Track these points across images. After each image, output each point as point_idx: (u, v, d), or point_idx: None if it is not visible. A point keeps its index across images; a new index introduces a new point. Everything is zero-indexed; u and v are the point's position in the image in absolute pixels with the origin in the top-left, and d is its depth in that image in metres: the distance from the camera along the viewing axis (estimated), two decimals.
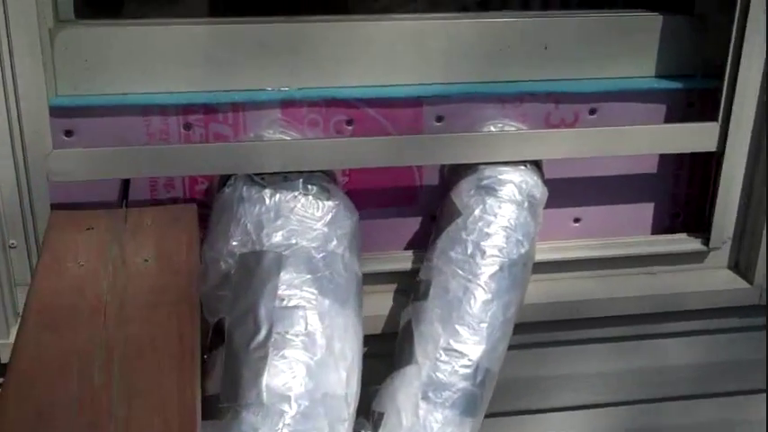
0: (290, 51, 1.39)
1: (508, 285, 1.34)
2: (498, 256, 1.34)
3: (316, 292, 1.23)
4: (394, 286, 1.49)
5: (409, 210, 1.51)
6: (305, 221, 1.29)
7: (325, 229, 1.29)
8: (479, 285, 1.33)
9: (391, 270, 1.47)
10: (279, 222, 1.28)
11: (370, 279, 1.43)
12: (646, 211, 1.60)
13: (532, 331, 1.50)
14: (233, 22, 1.38)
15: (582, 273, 1.54)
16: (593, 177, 1.54)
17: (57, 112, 1.33)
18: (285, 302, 1.21)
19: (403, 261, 1.47)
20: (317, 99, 1.41)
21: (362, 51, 1.41)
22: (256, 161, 1.33)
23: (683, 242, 1.55)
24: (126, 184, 1.35)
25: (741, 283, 1.55)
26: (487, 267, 1.34)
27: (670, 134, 1.46)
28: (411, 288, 1.43)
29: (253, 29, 1.38)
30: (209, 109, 1.38)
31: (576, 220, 1.58)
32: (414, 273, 1.44)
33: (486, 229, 1.36)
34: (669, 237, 1.56)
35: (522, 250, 1.36)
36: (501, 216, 1.36)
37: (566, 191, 1.53)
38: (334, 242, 1.29)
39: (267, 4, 1.48)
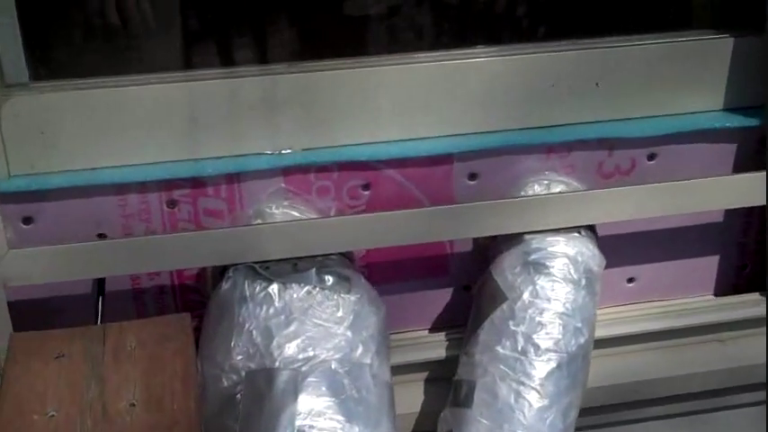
0: (291, 105, 1.14)
1: (567, 385, 1.12)
2: (555, 351, 1.12)
3: (342, 419, 1.01)
4: (425, 375, 1.27)
5: (439, 281, 1.28)
6: (323, 325, 1.05)
7: (349, 334, 1.06)
8: (533, 389, 1.10)
9: (422, 360, 1.24)
10: (292, 329, 1.05)
11: (398, 370, 1.21)
12: (708, 264, 1.38)
13: (585, 414, 1.28)
14: (221, 75, 1.13)
15: (640, 346, 1.32)
16: (649, 231, 1.31)
17: (11, 197, 1.08)
18: None
19: (435, 347, 1.25)
20: (326, 162, 1.16)
21: (378, 100, 1.16)
22: (259, 248, 1.10)
23: (754, 304, 1.33)
24: (101, 280, 1.11)
25: None
26: (542, 365, 1.11)
27: (747, 185, 1.22)
28: (444, 377, 1.21)
29: (245, 82, 1.12)
30: (197, 182, 1.14)
31: (630, 280, 1.36)
32: (449, 362, 1.21)
33: (538, 318, 1.13)
34: (739, 299, 1.34)
35: (582, 340, 1.14)
36: (555, 300, 1.14)
37: (618, 248, 1.31)
38: (360, 349, 1.06)
39: (257, 46, 1.23)
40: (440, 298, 1.30)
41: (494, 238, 1.21)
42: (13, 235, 1.09)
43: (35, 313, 1.13)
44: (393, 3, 1.30)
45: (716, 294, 1.39)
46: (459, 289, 1.29)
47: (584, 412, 1.25)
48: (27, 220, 1.11)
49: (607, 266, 1.27)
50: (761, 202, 1.23)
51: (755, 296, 1.34)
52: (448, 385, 1.20)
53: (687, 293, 1.38)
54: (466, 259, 1.27)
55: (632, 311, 1.32)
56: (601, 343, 1.28)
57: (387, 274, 1.25)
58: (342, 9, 1.28)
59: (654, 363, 1.30)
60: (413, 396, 1.24)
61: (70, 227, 1.12)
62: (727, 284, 1.39)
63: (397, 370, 1.22)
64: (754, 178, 1.22)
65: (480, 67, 1.19)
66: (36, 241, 1.11)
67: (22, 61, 1.09)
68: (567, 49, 1.21)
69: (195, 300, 1.20)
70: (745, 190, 1.22)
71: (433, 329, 1.30)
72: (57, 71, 1.14)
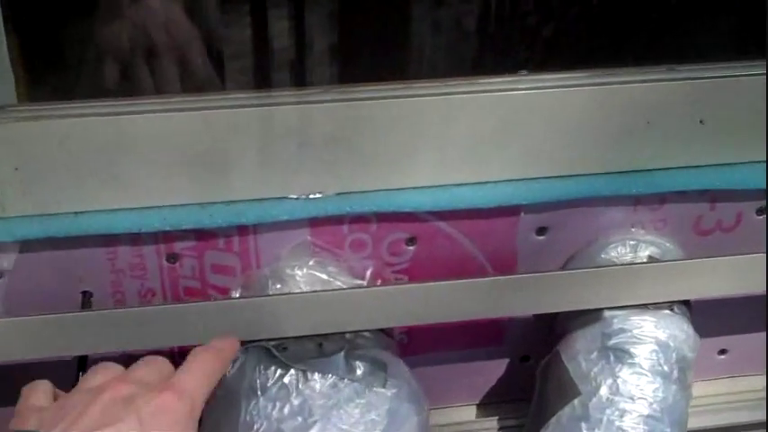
0: (323, 140, 0.92)
1: None
2: None
3: None
4: None
5: (491, 351, 1.07)
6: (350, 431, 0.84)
7: None
8: None
9: None
10: None
11: None
12: None
13: None
14: (235, 102, 0.90)
15: None
16: (742, 296, 1.08)
17: None
18: None
19: None
20: (363, 211, 0.94)
21: (429, 136, 0.93)
22: (275, 323, 0.88)
23: None
24: (83, 356, 0.90)
25: None
26: None
27: None
28: None
29: (264, 111, 0.90)
30: (203, 233, 0.92)
31: (722, 352, 1.13)
32: None
33: (618, 422, 0.91)
34: None
35: None
36: (640, 399, 0.92)
37: (707, 315, 1.08)
38: None
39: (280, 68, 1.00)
40: (492, 370, 1.08)
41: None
42: None
43: (12, 377, 0.93)
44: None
45: None
46: (514, 361, 1.08)
47: None
48: None
49: None
50: None
51: None
52: None
53: None
54: (524, 325, 1.05)
55: (725, 394, 1.08)
56: None
57: (431, 342, 1.04)
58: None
59: None
60: None
61: (48, 284, 0.91)
62: None
63: None
64: None
65: (558, 97, 0.95)
66: (6, 300, 0.91)
67: (10, 83, 0.88)
68: (665, 79, 0.97)
69: None
70: None
71: (482, 406, 1.09)
72: (54, 94, 0.93)
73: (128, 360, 0.92)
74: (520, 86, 0.94)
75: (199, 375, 0.61)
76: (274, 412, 0.84)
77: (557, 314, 1.01)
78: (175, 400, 0.58)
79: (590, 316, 0.95)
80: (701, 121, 0.99)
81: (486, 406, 1.09)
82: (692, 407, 1.05)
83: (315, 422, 0.84)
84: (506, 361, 1.08)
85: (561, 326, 0.99)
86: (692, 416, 1.04)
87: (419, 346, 1.03)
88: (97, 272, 0.92)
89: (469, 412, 1.08)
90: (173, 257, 0.93)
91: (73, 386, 0.85)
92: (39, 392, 0.66)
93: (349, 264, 0.96)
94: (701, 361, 1.11)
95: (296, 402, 0.85)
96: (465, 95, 0.93)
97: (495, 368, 1.08)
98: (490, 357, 1.07)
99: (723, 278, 0.95)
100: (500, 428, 1.03)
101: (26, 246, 0.90)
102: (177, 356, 0.98)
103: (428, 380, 0.99)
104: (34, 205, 0.89)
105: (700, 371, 1.12)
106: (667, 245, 1.00)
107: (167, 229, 0.90)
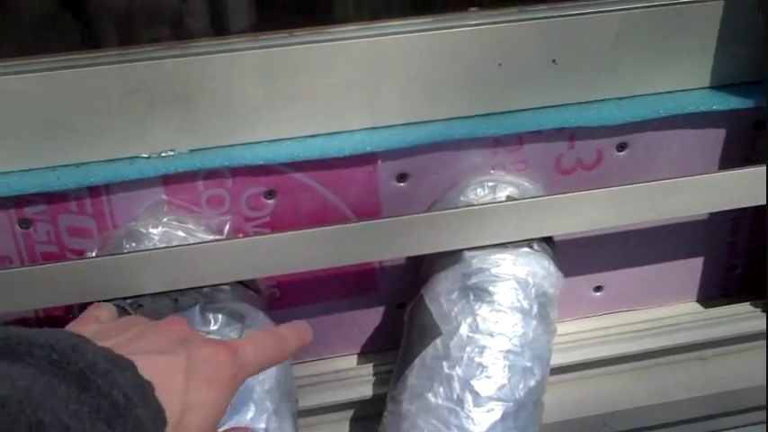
0: (173, 94, 0.91)
1: None
2: (498, 399, 0.91)
3: None
4: (350, 414, 1.07)
5: (366, 300, 1.07)
6: None
7: None
8: None
9: (347, 401, 1.03)
10: None
11: (316, 411, 1.01)
12: (691, 266, 1.17)
13: None
14: (81, 61, 0.89)
15: (607, 369, 1.11)
16: (618, 233, 1.10)
17: None
18: None
19: (361, 385, 1.04)
20: (218, 166, 0.94)
21: (281, 87, 0.93)
22: (132, 280, 0.88)
23: (745, 318, 1.12)
24: None
25: None
26: (483, 417, 0.91)
27: (741, 182, 1.00)
28: (375, 414, 1.01)
29: (108, 69, 0.89)
30: (55, 196, 0.91)
31: (598, 289, 1.15)
32: (378, 400, 1.01)
33: (478, 359, 0.92)
34: (726, 311, 1.13)
35: (533, 382, 0.93)
36: (500, 335, 0.93)
37: (583, 253, 1.10)
38: (251, 412, 0.85)
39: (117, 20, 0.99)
40: (368, 319, 1.09)
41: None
42: None
43: None
44: None
45: (700, 301, 1.19)
46: (390, 308, 1.08)
47: None
48: None
49: (571, 274, 1.07)
50: (758, 201, 1.00)
51: (746, 306, 1.13)
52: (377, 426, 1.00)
53: (665, 302, 1.17)
54: (398, 273, 1.06)
55: (599, 329, 1.10)
56: (562, 370, 1.08)
57: (304, 294, 1.04)
58: None
59: (624, 390, 1.10)
60: None
61: None
62: (714, 289, 1.19)
63: (317, 411, 1.02)
64: (749, 174, 0.99)
65: (409, 43, 0.95)
66: None
67: None
68: (516, 20, 0.97)
69: None
70: (739, 188, 1.00)
71: (361, 359, 1.09)
72: None
73: None
74: (369, 33, 0.94)
75: (259, 352, 0.59)
76: None
77: (423, 260, 1.02)
78: (228, 358, 0.55)
79: (451, 258, 0.96)
80: (553, 61, 1.00)
81: (365, 355, 1.10)
82: (566, 343, 1.07)
83: None
84: (382, 309, 1.08)
85: (426, 270, 1.00)
86: (565, 351, 1.06)
87: (292, 300, 1.03)
88: None
89: (350, 361, 1.09)
90: (25, 223, 0.92)
91: None
92: (104, 310, 0.65)
93: (207, 221, 0.96)
94: (576, 299, 1.14)
95: None
96: (314, 44, 0.93)
97: (372, 317, 1.09)
98: (367, 306, 1.08)
99: (580, 214, 0.96)
100: (376, 374, 1.04)
101: None
102: (43, 321, 0.97)
103: None
104: None
105: (576, 308, 1.15)
106: (526, 185, 1.01)
107: (17, 192, 0.89)
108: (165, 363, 0.52)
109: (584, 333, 1.10)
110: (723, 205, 1.01)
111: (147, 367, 0.48)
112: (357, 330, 1.09)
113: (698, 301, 1.19)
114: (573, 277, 1.10)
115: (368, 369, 1.04)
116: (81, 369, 0.44)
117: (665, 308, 1.16)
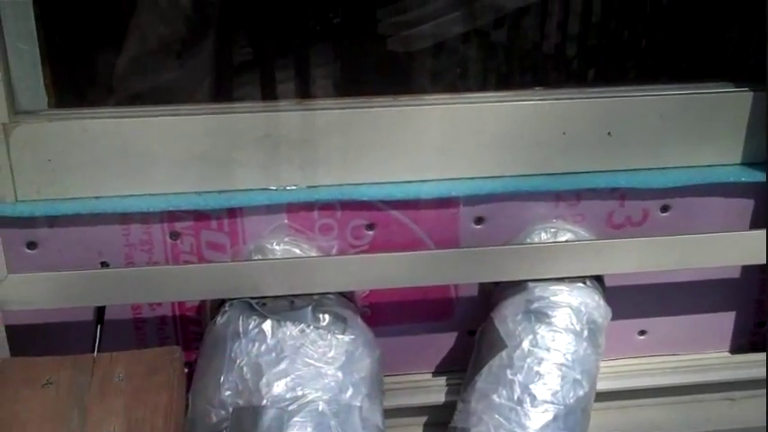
0: (298, 142, 1.14)
1: None
2: (552, 403, 1.09)
3: None
4: (423, 419, 1.25)
5: (443, 325, 1.26)
6: (314, 365, 1.04)
7: (339, 375, 1.05)
8: None
9: (421, 405, 1.22)
10: (282, 366, 1.04)
11: (395, 413, 1.19)
12: (724, 320, 1.34)
13: None
14: (228, 110, 1.13)
15: (647, 401, 1.28)
16: (664, 284, 1.28)
17: (16, 222, 1.10)
18: None
19: (435, 392, 1.23)
20: (330, 200, 1.16)
21: (386, 140, 1.16)
22: (257, 283, 1.09)
23: None
24: (101, 308, 1.11)
25: None
26: (538, 416, 1.09)
27: (763, 241, 1.19)
28: (444, 421, 1.19)
29: (251, 117, 1.13)
30: (200, 215, 1.14)
31: (642, 333, 1.33)
32: (449, 407, 1.19)
33: (536, 368, 1.10)
34: (753, 357, 1.30)
35: (581, 392, 1.11)
36: (555, 351, 1.11)
37: (629, 299, 1.28)
38: (350, 391, 1.04)
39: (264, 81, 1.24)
40: (443, 342, 1.28)
41: (497, 283, 1.20)
42: (17, 259, 1.10)
43: (34, 338, 1.14)
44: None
45: (731, 352, 1.35)
46: (463, 334, 1.27)
47: None
48: (31, 245, 1.12)
49: (619, 318, 1.25)
50: None
51: None
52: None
53: (701, 349, 1.34)
54: (471, 304, 1.25)
55: (641, 365, 1.28)
56: (606, 396, 1.25)
57: (390, 315, 1.24)
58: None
59: (660, 419, 1.26)
60: None
61: (73, 254, 1.13)
62: (744, 342, 1.35)
63: (396, 413, 1.20)
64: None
65: (492, 111, 1.17)
66: (39, 266, 1.12)
67: (41, 88, 1.10)
68: (578, 98, 1.20)
69: (196, 332, 1.20)
70: (762, 246, 1.19)
71: (436, 374, 1.28)
72: (79, 99, 1.16)
73: (138, 322, 1.14)
74: (459, 102, 1.17)
75: None
76: (253, 350, 1.05)
77: (493, 291, 1.21)
78: None
79: (517, 287, 1.16)
80: (608, 133, 1.21)
81: (438, 375, 1.28)
82: (611, 374, 1.25)
83: (285, 357, 1.04)
84: (455, 334, 1.27)
85: (495, 298, 1.19)
86: (609, 379, 1.24)
87: (379, 319, 1.23)
88: (113, 245, 1.14)
89: (423, 377, 1.27)
90: (174, 235, 1.15)
91: (93, 340, 1.06)
92: None
93: (318, 243, 1.17)
94: (621, 342, 1.31)
95: (271, 343, 1.05)
96: (416, 108, 1.16)
97: (446, 340, 1.27)
98: (441, 331, 1.27)
99: (625, 257, 1.16)
100: (447, 384, 1.22)
101: (56, 222, 1.11)
102: (178, 317, 1.18)
103: (388, 349, 1.19)
104: (63, 189, 1.11)
105: (620, 350, 1.32)
106: (582, 233, 1.21)
107: (170, 209, 1.12)
108: None
109: (627, 368, 1.27)
110: (749, 260, 1.19)
111: None
112: (433, 351, 1.27)
113: (730, 351, 1.35)
114: (620, 320, 1.28)
115: (441, 381, 1.23)
116: None
117: (700, 355, 1.33)
